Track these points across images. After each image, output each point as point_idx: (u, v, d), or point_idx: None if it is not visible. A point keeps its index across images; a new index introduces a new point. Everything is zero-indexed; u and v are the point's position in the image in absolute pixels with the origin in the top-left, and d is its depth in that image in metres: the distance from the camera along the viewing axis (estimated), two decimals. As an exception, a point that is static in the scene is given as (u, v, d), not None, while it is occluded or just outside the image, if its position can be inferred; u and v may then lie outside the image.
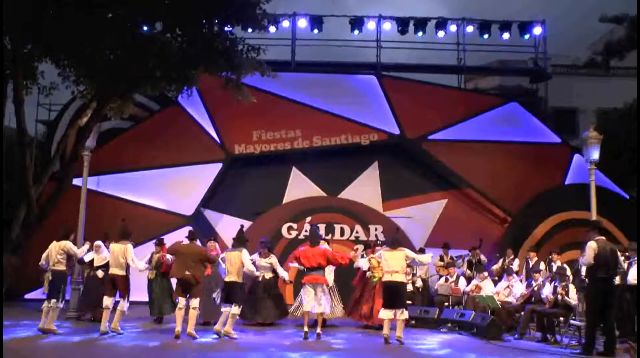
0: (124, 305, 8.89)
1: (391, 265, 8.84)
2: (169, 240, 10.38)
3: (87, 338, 8.52)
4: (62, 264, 9.00)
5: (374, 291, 10.08)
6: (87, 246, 10.04)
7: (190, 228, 11.14)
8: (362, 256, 10.64)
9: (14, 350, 7.29)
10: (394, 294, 8.74)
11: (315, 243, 9.28)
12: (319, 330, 8.90)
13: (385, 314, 8.72)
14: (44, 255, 9.09)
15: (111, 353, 7.63)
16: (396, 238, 9.41)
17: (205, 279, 9.82)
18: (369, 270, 10.26)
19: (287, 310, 10.58)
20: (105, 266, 9.95)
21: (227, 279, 8.89)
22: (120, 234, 9.21)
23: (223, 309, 8.83)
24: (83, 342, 8.28)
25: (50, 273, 9.04)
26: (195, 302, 8.73)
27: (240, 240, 9.20)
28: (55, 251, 9.00)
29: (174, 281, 9.60)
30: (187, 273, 8.67)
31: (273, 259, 10.37)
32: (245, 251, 9.02)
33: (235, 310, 8.74)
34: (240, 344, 8.30)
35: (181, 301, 8.78)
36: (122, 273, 9.02)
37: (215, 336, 8.66)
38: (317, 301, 8.91)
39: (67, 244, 9.11)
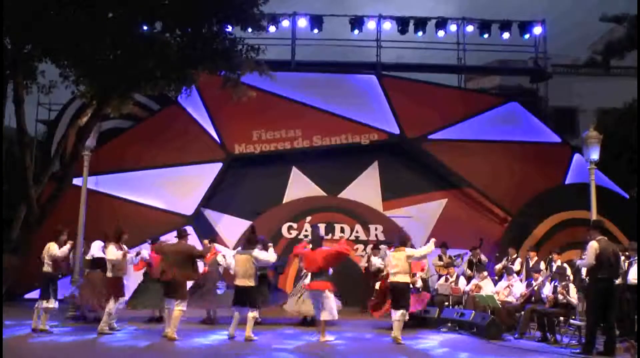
0: (111, 306, 8.84)
1: (393, 265, 8.88)
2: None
3: (87, 338, 8.52)
4: (49, 266, 9.01)
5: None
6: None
7: (190, 227, 11.16)
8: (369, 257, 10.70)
9: (13, 350, 7.30)
10: (396, 294, 8.81)
11: (317, 245, 9.05)
12: (322, 338, 8.64)
13: (394, 315, 8.79)
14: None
15: (110, 353, 7.63)
16: (400, 238, 9.31)
17: (202, 279, 9.85)
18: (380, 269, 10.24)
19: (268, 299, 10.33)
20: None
21: (237, 283, 8.65)
22: (114, 236, 9.15)
23: (234, 313, 8.72)
24: (83, 341, 8.28)
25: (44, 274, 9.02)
26: (181, 305, 8.47)
27: (251, 241, 8.93)
28: (46, 253, 9.03)
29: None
30: (171, 274, 8.44)
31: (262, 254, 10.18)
32: (256, 251, 8.79)
33: (254, 313, 8.61)
34: (240, 344, 8.28)
35: (166, 302, 8.65)
36: (113, 275, 8.98)
37: (219, 338, 8.68)
38: (321, 307, 8.68)
39: (50, 246, 9.08)
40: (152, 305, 10.10)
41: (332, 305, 8.75)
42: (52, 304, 8.96)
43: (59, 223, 9.86)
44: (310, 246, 9.22)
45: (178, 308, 8.42)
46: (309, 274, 9.36)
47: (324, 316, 8.65)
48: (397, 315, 8.69)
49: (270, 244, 9.77)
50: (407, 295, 8.92)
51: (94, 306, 9.84)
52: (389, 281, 9.03)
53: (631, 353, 7.98)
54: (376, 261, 10.42)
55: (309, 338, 8.81)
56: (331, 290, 8.92)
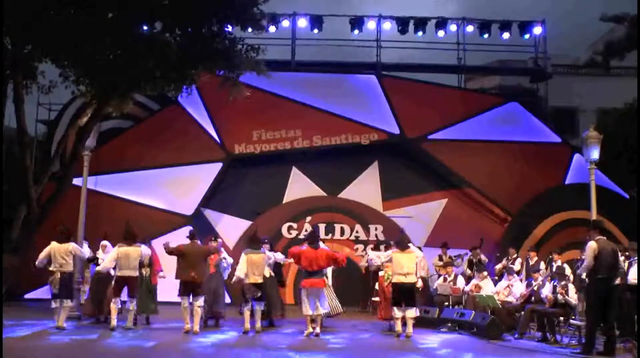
0: (134, 304, 9.36)
1: (404, 266, 9.16)
2: (168, 239, 10.33)
3: (88, 338, 8.52)
4: (69, 265, 9.30)
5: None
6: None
7: (190, 227, 11.16)
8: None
9: (13, 350, 7.29)
10: (407, 294, 9.18)
11: (316, 245, 9.35)
12: (318, 330, 9.04)
13: (397, 312, 9.11)
14: (42, 255, 9.25)
15: (112, 353, 7.62)
16: (404, 239, 9.57)
17: (208, 279, 9.88)
18: (380, 268, 10.31)
19: (284, 311, 10.55)
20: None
21: (252, 281, 9.18)
22: (130, 237, 9.47)
23: (245, 309, 9.24)
24: (84, 341, 8.28)
25: (59, 274, 9.17)
26: (200, 301, 9.16)
27: (256, 241, 9.57)
28: (59, 254, 9.19)
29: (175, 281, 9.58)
30: (192, 274, 9.08)
31: (277, 255, 10.36)
32: (268, 252, 9.68)
33: (261, 306, 9.35)
34: (241, 344, 8.30)
35: (185, 300, 9.08)
36: (136, 274, 9.38)
37: (221, 337, 8.78)
38: (316, 304, 9.04)
39: (74, 247, 9.44)
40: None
41: (326, 300, 9.37)
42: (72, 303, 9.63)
43: (59, 223, 9.88)
44: (308, 244, 9.41)
45: (199, 305, 9.15)
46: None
47: (319, 311, 9.08)
48: (412, 313, 9.17)
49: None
50: (415, 295, 9.43)
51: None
52: (398, 282, 9.19)
53: (633, 354, 7.97)
54: (373, 255, 10.32)
55: (310, 336, 8.85)
56: (327, 287, 9.60)
